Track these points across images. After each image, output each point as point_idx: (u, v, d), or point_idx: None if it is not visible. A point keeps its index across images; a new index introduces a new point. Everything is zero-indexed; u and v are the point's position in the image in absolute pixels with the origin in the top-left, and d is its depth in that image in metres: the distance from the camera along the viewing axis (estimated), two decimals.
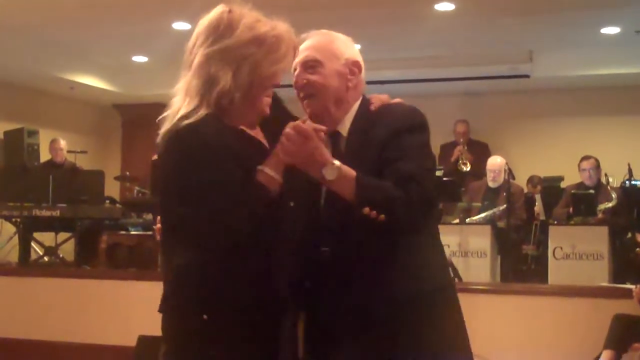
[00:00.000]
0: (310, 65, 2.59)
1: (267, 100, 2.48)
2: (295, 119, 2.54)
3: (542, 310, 6.90)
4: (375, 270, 2.50)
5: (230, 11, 2.47)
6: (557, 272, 7.39)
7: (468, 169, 10.26)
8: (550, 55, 10.25)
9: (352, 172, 2.40)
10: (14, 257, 9.07)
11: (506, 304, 7.04)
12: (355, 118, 2.62)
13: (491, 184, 8.69)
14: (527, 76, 10.41)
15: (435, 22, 8.79)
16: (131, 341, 6.38)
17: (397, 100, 2.73)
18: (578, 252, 7.39)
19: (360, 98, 2.67)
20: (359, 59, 2.68)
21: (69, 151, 9.97)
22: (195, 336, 2.40)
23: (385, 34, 9.47)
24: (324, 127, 2.43)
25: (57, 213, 8.68)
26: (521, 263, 8.35)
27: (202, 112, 2.34)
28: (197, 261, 2.38)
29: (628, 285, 6.62)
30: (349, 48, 2.67)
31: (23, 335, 7.61)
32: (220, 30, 2.43)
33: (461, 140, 10.59)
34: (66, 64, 10.77)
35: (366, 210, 2.38)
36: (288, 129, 2.36)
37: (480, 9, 8.48)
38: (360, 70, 2.67)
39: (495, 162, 8.63)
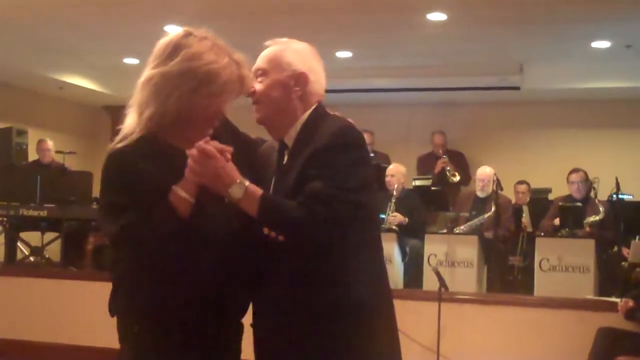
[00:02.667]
0: (258, 74, 2.67)
1: (211, 124, 2.59)
2: (249, 143, 2.79)
3: (527, 321, 6.92)
4: (289, 284, 2.54)
5: (185, 36, 2.59)
6: (543, 283, 7.40)
7: (457, 179, 10.31)
8: (541, 68, 10.29)
9: (259, 192, 2.47)
10: None
11: (492, 314, 7.05)
12: (301, 129, 2.63)
13: (479, 194, 8.71)
14: (517, 88, 10.45)
15: (427, 31, 8.82)
16: (116, 343, 6.36)
17: (336, 115, 2.71)
18: (564, 265, 7.40)
19: (312, 109, 2.67)
20: (308, 70, 2.66)
21: (57, 151, 9.94)
22: (132, 344, 2.65)
23: (376, 42, 9.48)
24: (229, 148, 2.48)
25: (44, 213, 8.65)
26: (507, 274, 8.35)
27: (136, 135, 2.53)
28: (125, 273, 2.62)
29: (613, 299, 6.65)
30: (300, 59, 2.66)
31: (7, 335, 7.59)
32: (165, 55, 2.56)
33: (440, 151, 10.64)
34: (56, 64, 10.74)
35: (266, 230, 2.49)
36: (192, 150, 2.45)
37: (472, 20, 8.51)
38: (306, 82, 2.64)
39: (484, 172, 8.66)
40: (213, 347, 2.60)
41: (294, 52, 2.67)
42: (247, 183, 2.45)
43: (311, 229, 2.43)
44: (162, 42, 2.61)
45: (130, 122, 2.58)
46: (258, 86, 2.65)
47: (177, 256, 2.51)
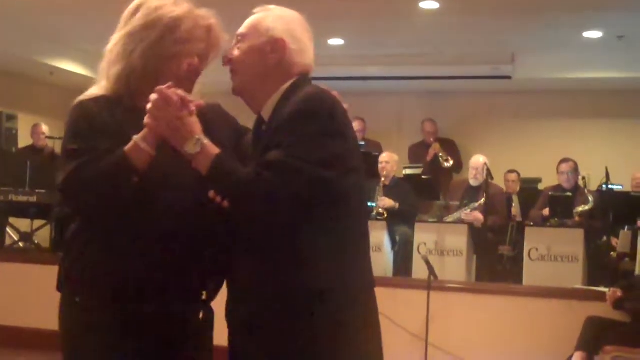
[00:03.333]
0: (237, 40, 2.53)
1: (185, 83, 2.44)
2: (239, 130, 2.66)
3: (516, 310, 6.94)
4: (251, 267, 2.37)
5: None
6: (532, 273, 7.43)
7: (451, 164, 10.32)
8: (532, 57, 10.29)
9: (215, 151, 2.31)
10: None
11: (481, 303, 7.07)
12: (278, 102, 2.44)
13: (472, 182, 8.72)
14: (508, 77, 10.45)
15: (419, 20, 8.81)
16: None
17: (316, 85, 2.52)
18: (553, 254, 7.43)
19: (292, 80, 2.48)
20: (289, 37, 2.49)
21: (48, 137, 9.92)
22: (68, 317, 2.54)
23: (368, 30, 9.47)
24: (194, 100, 2.34)
25: (34, 199, 8.63)
26: (497, 263, 8.37)
27: (101, 93, 2.46)
28: (74, 233, 2.54)
29: (602, 289, 6.68)
30: (281, 25, 2.50)
31: None
32: (128, 17, 2.52)
33: (431, 139, 10.66)
34: (47, 50, 10.69)
35: (212, 193, 2.31)
36: (153, 94, 2.31)
37: (464, 9, 8.50)
38: (284, 49, 2.47)
39: (478, 160, 8.66)
40: (154, 332, 2.40)
41: (276, 18, 2.53)
42: (205, 140, 2.29)
43: (255, 196, 2.25)
44: (127, 9, 2.56)
45: (98, 86, 2.50)
46: (234, 52, 2.51)
47: (126, 220, 2.35)
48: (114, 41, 2.50)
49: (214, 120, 2.51)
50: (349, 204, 2.39)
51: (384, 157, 8.76)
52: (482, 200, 8.25)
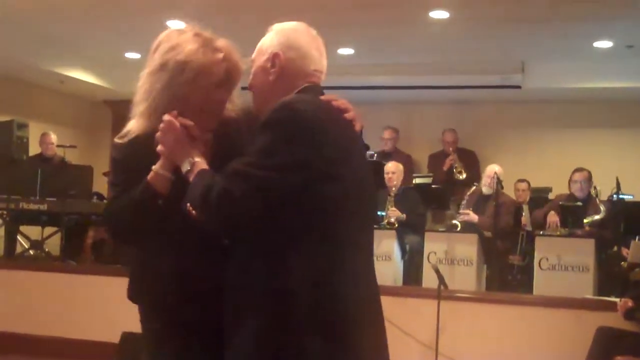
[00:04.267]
0: (251, 66, 2.64)
1: (209, 115, 2.61)
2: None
3: (526, 320, 6.91)
4: (232, 272, 2.45)
5: (169, 32, 2.67)
6: (543, 282, 7.40)
7: (464, 177, 10.27)
8: (542, 67, 10.28)
9: (201, 167, 2.45)
10: None
11: (491, 313, 7.05)
12: None
13: (485, 190, 8.70)
14: (518, 87, 10.44)
15: (429, 29, 8.81)
16: (114, 337, 6.36)
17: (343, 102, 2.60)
18: (564, 264, 7.40)
19: (297, 90, 2.54)
20: (286, 49, 2.56)
21: (58, 145, 9.96)
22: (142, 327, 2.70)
23: (378, 39, 9.48)
24: (190, 123, 2.52)
25: (44, 207, 8.65)
26: (507, 272, 8.35)
27: (133, 134, 2.63)
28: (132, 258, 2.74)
29: (612, 298, 6.65)
30: (279, 39, 2.58)
31: (5, 328, 7.59)
32: (151, 54, 2.66)
33: (450, 149, 10.61)
34: (58, 58, 10.73)
35: (187, 205, 2.41)
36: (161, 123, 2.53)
37: (474, 18, 8.50)
38: (281, 62, 2.55)
39: (492, 169, 8.66)
40: (199, 338, 2.58)
41: (274, 34, 2.61)
42: (198, 159, 2.46)
43: (211, 207, 2.31)
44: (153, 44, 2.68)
45: (134, 121, 2.67)
46: (250, 78, 2.63)
47: (160, 239, 2.59)
48: (141, 80, 2.65)
49: (245, 134, 2.59)
50: (330, 211, 2.39)
51: (389, 167, 8.78)
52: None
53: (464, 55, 9.96)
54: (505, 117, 11.49)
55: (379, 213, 8.60)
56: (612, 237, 8.00)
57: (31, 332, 7.56)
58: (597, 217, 7.94)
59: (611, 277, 7.68)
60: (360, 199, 2.52)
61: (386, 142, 10.64)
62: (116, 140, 2.67)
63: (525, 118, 11.41)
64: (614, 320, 6.32)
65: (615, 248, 8.09)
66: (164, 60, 2.57)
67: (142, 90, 2.63)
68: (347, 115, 2.56)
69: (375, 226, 8.21)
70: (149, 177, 2.55)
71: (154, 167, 2.55)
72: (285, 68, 2.54)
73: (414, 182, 9.34)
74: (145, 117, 2.61)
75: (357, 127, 2.61)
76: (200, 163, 2.46)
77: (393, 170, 8.74)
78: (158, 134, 2.52)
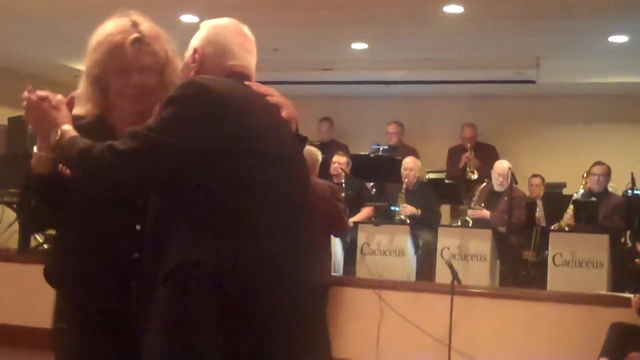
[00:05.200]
0: None
1: (133, 100, 2.59)
2: None
3: (540, 316, 6.91)
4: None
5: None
6: (557, 278, 7.38)
7: (475, 177, 10.18)
8: (557, 62, 10.23)
9: (72, 134, 2.47)
10: (13, 243, 9.08)
11: (504, 308, 7.05)
12: None
13: (496, 188, 8.67)
14: (532, 82, 10.40)
15: (443, 24, 8.78)
16: None
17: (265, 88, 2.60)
18: (578, 260, 7.38)
19: None
20: (205, 44, 2.61)
21: None
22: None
23: (392, 35, 9.45)
24: (45, 94, 2.57)
25: None
26: (521, 268, 8.34)
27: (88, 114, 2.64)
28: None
29: (627, 294, 6.64)
30: (201, 35, 2.64)
31: (22, 322, 7.63)
32: None
33: (468, 145, 10.49)
34: (71, 53, 10.74)
35: (61, 166, 2.48)
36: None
37: (488, 13, 8.47)
38: (200, 57, 2.59)
39: (502, 166, 8.61)
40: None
41: (200, 30, 2.67)
42: (65, 127, 2.48)
43: (85, 158, 2.37)
44: None
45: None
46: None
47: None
48: None
49: None
50: (234, 188, 2.38)
51: (407, 163, 8.74)
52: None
53: (478, 50, 9.92)
54: (519, 112, 11.44)
55: (391, 208, 8.59)
56: (622, 226, 7.98)
57: (46, 326, 7.58)
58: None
59: (626, 273, 7.66)
60: (277, 182, 2.48)
61: (390, 136, 10.58)
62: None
63: (539, 113, 11.37)
64: (628, 316, 6.30)
65: (627, 241, 8.07)
66: (92, 43, 2.66)
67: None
68: (270, 99, 2.57)
69: (388, 222, 8.27)
70: (31, 161, 2.55)
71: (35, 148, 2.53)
72: (203, 63, 2.59)
73: (427, 177, 9.32)
74: (81, 100, 2.64)
75: (285, 113, 2.59)
76: (69, 131, 2.48)
77: (411, 166, 8.71)
78: (24, 113, 2.56)
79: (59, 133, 2.46)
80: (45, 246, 9.06)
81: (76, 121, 2.57)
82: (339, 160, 8.76)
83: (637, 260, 7.68)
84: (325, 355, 2.58)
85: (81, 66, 2.75)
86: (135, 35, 2.59)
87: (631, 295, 6.41)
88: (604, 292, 7.06)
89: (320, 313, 2.60)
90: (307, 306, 2.51)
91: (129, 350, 2.43)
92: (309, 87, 10.48)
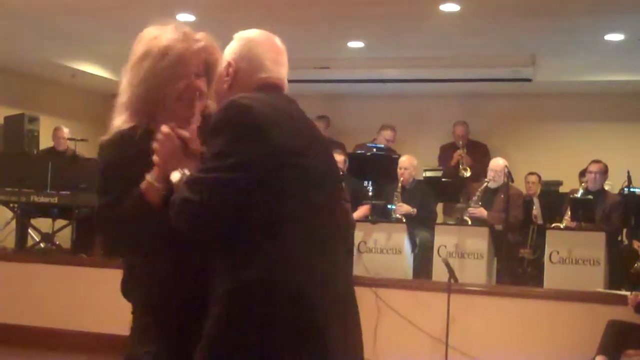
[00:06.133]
0: None
1: (186, 106, 2.61)
2: None
3: (536, 313, 6.92)
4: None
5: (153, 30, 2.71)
6: (553, 276, 7.39)
7: (468, 174, 10.21)
8: (553, 60, 10.25)
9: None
10: (10, 242, 9.09)
11: (501, 306, 7.06)
12: None
13: (490, 184, 8.68)
14: (529, 80, 10.41)
15: (439, 22, 8.79)
16: (124, 330, 6.38)
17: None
18: (574, 257, 7.39)
19: None
20: (239, 58, 2.63)
21: (69, 139, 9.99)
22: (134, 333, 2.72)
23: (389, 33, 9.46)
24: (187, 134, 2.54)
25: (55, 200, 8.68)
26: (517, 266, 8.35)
27: (119, 125, 2.65)
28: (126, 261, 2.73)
29: (623, 292, 6.64)
30: (234, 49, 2.66)
31: (17, 321, 7.63)
32: (133, 49, 2.71)
33: (460, 142, 10.56)
34: (69, 52, 10.76)
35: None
36: (159, 133, 2.52)
37: (485, 11, 8.48)
38: (233, 70, 2.62)
39: (497, 163, 8.62)
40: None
41: (232, 43, 2.68)
42: (187, 172, 2.47)
43: (178, 216, 2.39)
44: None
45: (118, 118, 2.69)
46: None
47: (155, 248, 2.55)
48: (123, 75, 2.69)
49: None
50: (290, 201, 2.42)
51: (404, 162, 8.74)
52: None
53: (474, 49, 9.94)
54: (515, 110, 11.46)
55: (388, 206, 8.60)
56: (619, 225, 8.00)
57: (42, 324, 7.59)
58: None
59: (622, 271, 7.66)
60: (322, 192, 2.54)
61: (387, 141, 10.61)
62: (103, 139, 2.67)
63: (535, 111, 11.39)
64: (625, 314, 6.31)
65: (626, 241, 8.07)
66: (147, 48, 2.62)
67: (122, 84, 2.68)
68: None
69: (385, 220, 8.28)
70: (142, 186, 2.52)
71: (147, 176, 2.52)
72: (236, 78, 2.62)
73: (424, 175, 9.33)
74: (128, 110, 2.64)
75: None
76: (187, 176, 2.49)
77: (406, 165, 8.71)
78: (154, 144, 2.51)
79: (179, 177, 2.47)
80: (42, 245, 9.07)
81: (130, 133, 2.60)
82: (337, 159, 8.75)
83: (637, 265, 7.67)
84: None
85: (79, 65, 2.74)
86: (201, 43, 2.64)
87: (628, 293, 6.42)
88: (600, 289, 7.07)
89: (356, 309, 2.65)
90: (349, 305, 2.56)
91: None
92: (306, 85, 10.48)
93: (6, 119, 9.69)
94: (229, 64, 2.63)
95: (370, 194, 8.64)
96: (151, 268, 2.59)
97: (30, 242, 9.20)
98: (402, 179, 8.61)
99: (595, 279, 7.24)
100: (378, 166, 8.69)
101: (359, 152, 9.40)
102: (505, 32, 9.26)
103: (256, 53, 2.64)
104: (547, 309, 6.92)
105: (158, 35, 2.64)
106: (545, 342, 6.73)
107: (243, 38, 2.68)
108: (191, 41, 2.63)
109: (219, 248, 2.41)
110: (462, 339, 6.75)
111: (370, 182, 8.62)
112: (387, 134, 10.57)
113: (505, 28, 9.11)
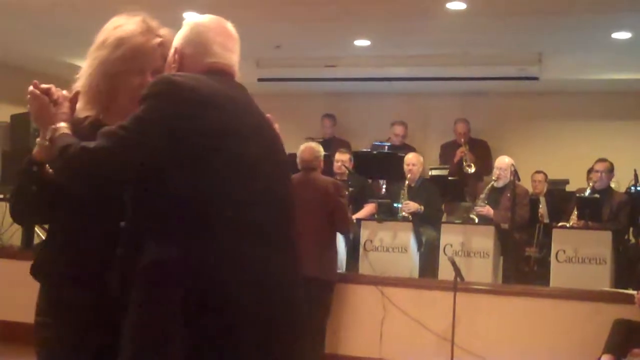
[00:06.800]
0: None
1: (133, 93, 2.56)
2: None
3: (543, 312, 6.91)
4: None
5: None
6: (559, 275, 7.38)
7: (473, 170, 10.21)
8: (560, 58, 10.22)
9: (67, 132, 2.48)
10: (16, 240, 9.09)
11: (507, 305, 7.05)
12: None
13: (495, 183, 8.67)
14: (535, 78, 10.39)
15: (445, 20, 8.77)
16: None
17: None
18: (581, 256, 7.37)
19: None
20: (181, 44, 2.59)
21: None
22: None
23: (395, 31, 9.45)
24: (48, 86, 2.59)
25: None
26: (523, 265, 8.33)
27: (77, 112, 2.64)
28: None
29: (630, 291, 6.63)
30: (181, 35, 2.62)
31: (24, 319, 7.62)
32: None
33: (462, 140, 10.55)
34: (74, 50, 10.71)
35: (47, 166, 2.51)
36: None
37: (491, 9, 8.46)
38: (179, 57, 2.58)
39: (503, 161, 8.61)
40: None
41: (182, 29, 2.64)
42: (60, 125, 2.49)
43: (62, 158, 2.38)
44: None
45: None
46: None
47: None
48: (87, 56, 2.70)
49: None
50: (204, 186, 2.36)
51: (410, 158, 8.73)
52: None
53: (480, 47, 9.92)
54: (522, 108, 11.44)
55: (394, 205, 8.59)
56: (625, 224, 7.98)
57: None
58: None
59: (629, 270, 7.65)
60: (254, 180, 2.46)
61: (397, 138, 10.60)
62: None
63: (542, 110, 11.36)
64: (631, 313, 6.31)
65: (633, 240, 8.06)
66: (104, 37, 2.65)
67: (84, 67, 2.68)
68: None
69: (391, 218, 8.27)
70: (34, 151, 2.59)
71: (37, 139, 2.58)
72: (182, 64, 2.57)
73: (430, 173, 9.32)
74: (84, 98, 2.63)
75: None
76: (63, 128, 2.49)
77: (414, 162, 8.70)
78: (28, 105, 2.57)
79: (52, 132, 2.49)
80: None
81: (78, 124, 2.57)
82: (342, 158, 8.77)
83: None
84: (310, 352, 2.52)
85: (83, 63, 2.73)
86: (159, 39, 2.63)
87: (634, 292, 6.41)
88: (607, 288, 7.06)
89: (297, 311, 2.55)
90: (278, 304, 2.43)
91: (113, 346, 2.41)
92: (312, 83, 10.48)
93: (12, 117, 9.68)
94: (175, 50, 2.59)
95: (383, 191, 8.66)
96: (47, 238, 2.61)
97: (36, 240, 9.20)
98: (409, 175, 8.60)
99: (601, 277, 7.22)
100: (384, 164, 8.68)
101: (364, 150, 9.40)
102: (511, 30, 9.24)
103: (204, 38, 2.59)
104: (554, 308, 6.91)
105: (120, 25, 2.65)
106: (551, 341, 6.72)
107: (191, 23, 2.64)
108: (151, 35, 2.61)
109: (150, 217, 2.37)
110: (468, 337, 6.75)
111: (381, 181, 8.63)
112: (398, 129, 10.59)
113: (512, 26, 9.08)
